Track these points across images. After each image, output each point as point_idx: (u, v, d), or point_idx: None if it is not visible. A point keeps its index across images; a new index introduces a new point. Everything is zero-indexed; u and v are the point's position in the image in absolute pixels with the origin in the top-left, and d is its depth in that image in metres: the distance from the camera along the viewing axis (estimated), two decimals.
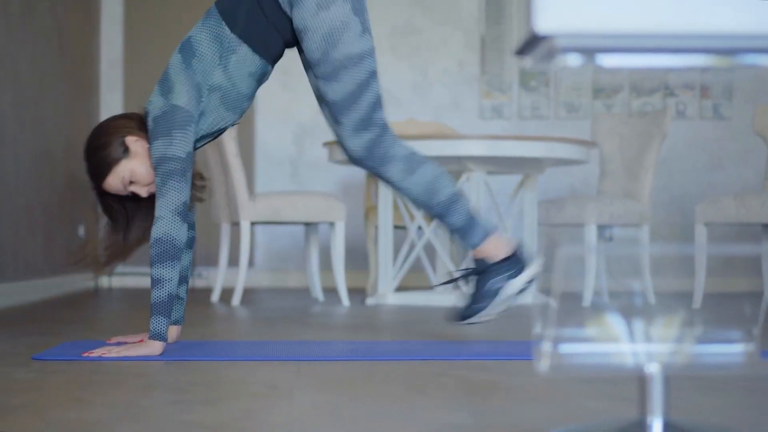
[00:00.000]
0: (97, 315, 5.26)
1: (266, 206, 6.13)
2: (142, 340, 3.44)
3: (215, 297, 6.42)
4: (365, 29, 3.49)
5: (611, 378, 2.75)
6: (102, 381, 2.73)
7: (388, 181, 3.59)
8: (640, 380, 1.72)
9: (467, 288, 3.68)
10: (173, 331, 3.68)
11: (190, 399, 2.41)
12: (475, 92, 8.79)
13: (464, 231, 3.60)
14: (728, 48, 1.54)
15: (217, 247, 8.25)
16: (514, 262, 3.60)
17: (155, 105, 3.44)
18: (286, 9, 3.45)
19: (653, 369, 1.70)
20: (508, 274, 3.59)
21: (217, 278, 6.47)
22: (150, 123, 3.42)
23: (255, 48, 3.45)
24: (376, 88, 3.53)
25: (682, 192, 8.80)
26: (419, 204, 3.60)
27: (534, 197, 6.41)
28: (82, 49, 8.02)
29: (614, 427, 1.73)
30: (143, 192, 3.47)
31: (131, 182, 3.46)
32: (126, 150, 3.46)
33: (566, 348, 1.72)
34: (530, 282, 3.61)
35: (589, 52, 1.57)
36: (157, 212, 3.34)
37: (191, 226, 3.68)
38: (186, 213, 3.41)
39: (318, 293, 6.59)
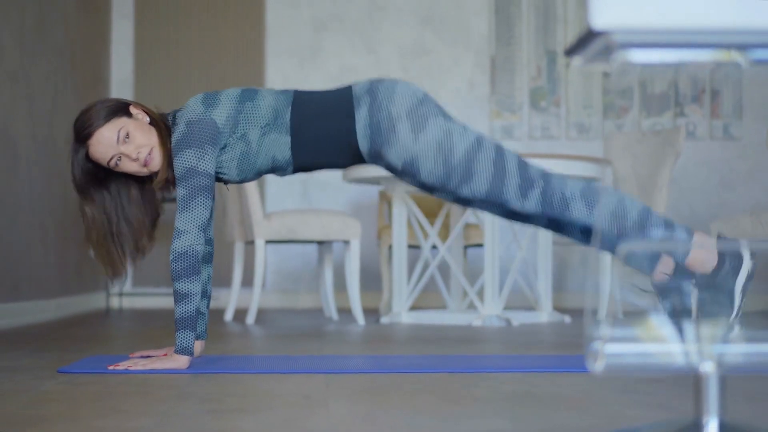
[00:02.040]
0: (111, 333, 5.24)
1: (281, 224, 6.12)
2: (166, 354, 3.42)
3: (229, 316, 6.40)
4: (464, 125, 3.46)
5: (649, 388, 2.73)
6: (132, 392, 2.71)
7: (577, 223, 3.48)
8: (694, 380, 1.70)
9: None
10: (197, 346, 3.66)
11: (226, 408, 2.39)
12: (485, 112, 8.79)
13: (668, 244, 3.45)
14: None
15: (229, 267, 8.23)
16: (728, 260, 3.38)
17: (193, 110, 3.40)
18: (366, 149, 3.47)
19: (708, 368, 1.68)
20: (731, 275, 3.38)
21: (231, 297, 6.44)
22: (182, 126, 3.38)
23: (294, 147, 3.46)
24: (510, 153, 3.45)
25: (693, 212, 8.78)
26: (612, 236, 3.44)
27: None
28: (93, 67, 8.02)
29: (669, 428, 1.71)
30: (132, 153, 3.38)
31: (125, 139, 3.37)
32: (128, 113, 3.44)
33: (617, 348, 1.70)
34: (752, 272, 3.39)
35: (647, 48, 1.56)
36: (181, 226, 3.32)
37: (209, 242, 3.66)
38: (206, 228, 3.40)
39: (332, 312, 6.57)
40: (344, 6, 8.82)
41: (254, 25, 8.76)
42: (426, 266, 7.45)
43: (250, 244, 6.31)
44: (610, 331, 1.69)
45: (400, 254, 6.19)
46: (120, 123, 3.39)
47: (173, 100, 8.60)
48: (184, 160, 3.35)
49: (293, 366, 3.35)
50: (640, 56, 1.55)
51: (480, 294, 7.02)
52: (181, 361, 3.25)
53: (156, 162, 3.42)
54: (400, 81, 3.50)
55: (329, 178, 8.69)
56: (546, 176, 3.45)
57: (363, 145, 3.45)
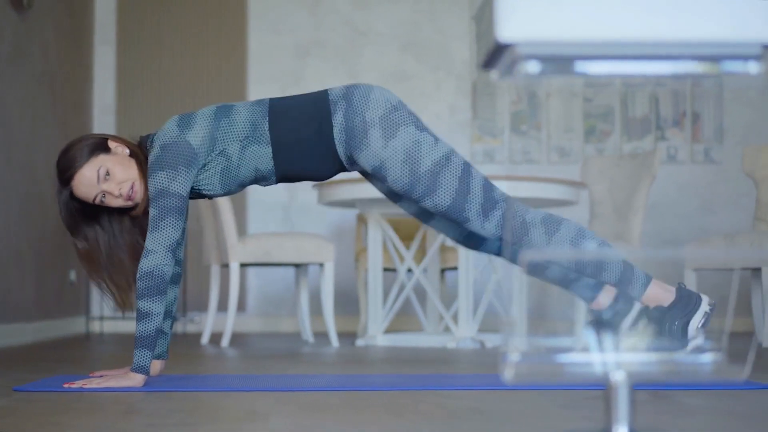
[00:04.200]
0: (87, 356, 5.25)
1: (256, 247, 6.14)
2: (126, 373, 3.43)
3: (205, 339, 6.41)
4: (436, 138, 3.49)
5: (596, 403, 2.75)
6: (82, 408, 2.73)
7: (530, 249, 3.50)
8: (605, 389, 1.72)
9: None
10: (156, 365, 3.68)
11: (168, 423, 2.41)
12: (466, 137, 8.83)
13: (623, 285, 3.45)
14: (678, 54, 1.56)
15: (207, 290, 8.25)
16: (686, 300, 3.42)
17: (168, 133, 3.43)
18: (343, 154, 3.50)
19: (618, 377, 1.70)
20: (686, 312, 3.40)
21: (206, 320, 6.46)
22: (156, 149, 3.41)
23: (276, 157, 3.48)
24: (478, 173, 3.48)
25: (675, 237, 8.81)
26: (569, 269, 3.49)
27: None
28: (75, 94, 8.06)
29: None
30: (114, 190, 3.43)
31: (106, 177, 3.42)
32: (107, 149, 3.47)
33: (533, 358, 1.72)
34: (709, 313, 3.42)
35: (550, 60, 1.59)
36: (150, 245, 3.35)
37: (179, 263, 3.69)
38: (176, 250, 3.43)
39: (308, 335, 6.58)
40: (326, 32, 8.87)
41: (236, 51, 8.81)
42: (402, 289, 7.47)
43: (226, 267, 6.33)
44: (522, 343, 1.72)
45: (376, 277, 6.21)
46: (99, 161, 3.43)
47: (155, 126, 8.62)
48: (156, 182, 3.38)
49: (249, 384, 3.36)
50: (538, 68, 1.57)
51: (455, 317, 7.04)
52: (137, 380, 3.27)
53: (140, 194, 3.47)
54: (375, 86, 3.53)
55: (310, 203, 8.72)
56: (508, 199, 3.48)
57: (340, 149, 3.48)
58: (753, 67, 1.57)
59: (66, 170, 3.44)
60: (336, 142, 3.47)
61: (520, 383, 2.06)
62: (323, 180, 3.63)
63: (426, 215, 3.67)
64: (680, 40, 1.55)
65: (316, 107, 3.50)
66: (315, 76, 8.82)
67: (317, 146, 3.48)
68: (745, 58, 1.58)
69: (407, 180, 3.45)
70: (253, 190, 8.71)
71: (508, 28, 1.57)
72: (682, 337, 3.36)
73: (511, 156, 8.78)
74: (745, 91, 8.89)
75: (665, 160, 8.81)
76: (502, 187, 5.82)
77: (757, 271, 6.33)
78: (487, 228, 3.47)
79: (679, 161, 8.82)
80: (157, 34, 8.78)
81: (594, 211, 6.90)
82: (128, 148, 3.50)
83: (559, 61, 1.59)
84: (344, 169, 3.58)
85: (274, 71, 8.82)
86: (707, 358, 1.76)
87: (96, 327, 8.38)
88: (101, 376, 3.48)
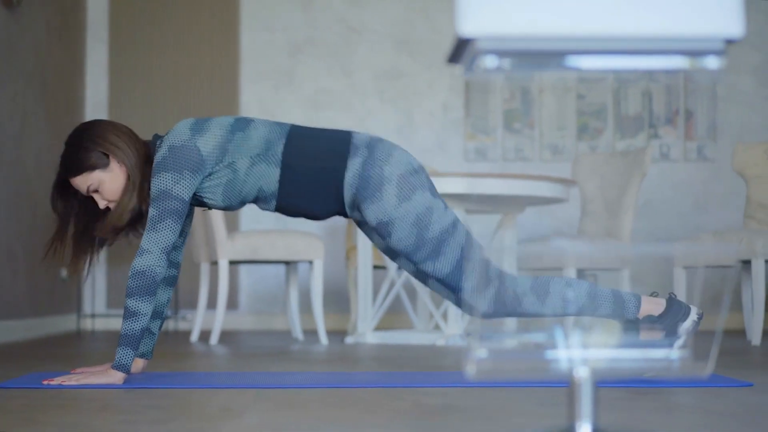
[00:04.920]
0: (76, 353, 5.24)
1: (245, 244, 6.13)
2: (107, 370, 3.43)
3: (194, 337, 6.40)
4: (446, 205, 3.51)
5: (565, 401, 2.74)
6: (59, 405, 2.72)
7: (529, 316, 3.56)
8: (569, 386, 1.72)
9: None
10: (138, 363, 3.69)
11: (141, 419, 2.40)
12: (459, 135, 8.83)
13: (618, 314, 3.51)
14: (641, 50, 1.55)
15: (197, 288, 8.24)
16: (675, 310, 3.49)
17: (178, 135, 3.42)
18: (349, 199, 3.48)
19: (582, 373, 1.70)
20: (675, 320, 3.46)
21: (196, 317, 6.46)
22: (164, 149, 3.41)
23: (282, 180, 3.46)
24: (477, 243, 3.51)
25: (669, 235, 8.80)
26: (567, 316, 3.56)
27: (514, 236, 6.41)
28: (67, 92, 8.05)
29: None
30: (101, 203, 3.47)
31: (95, 191, 3.46)
32: (106, 164, 3.46)
33: (498, 355, 1.72)
34: (698, 319, 3.49)
35: (509, 55, 1.59)
36: (145, 245, 3.35)
37: (176, 265, 3.69)
38: (171, 252, 3.44)
39: (298, 333, 6.58)
40: (319, 30, 8.87)
41: (229, 49, 8.80)
42: (392, 287, 7.47)
43: (216, 264, 6.32)
44: (486, 340, 1.71)
45: (365, 275, 6.21)
46: (90, 179, 3.46)
47: (148, 124, 8.63)
48: (159, 182, 3.38)
49: (229, 381, 3.36)
50: (495, 63, 1.57)
51: (445, 315, 7.04)
52: (116, 377, 3.27)
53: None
54: (399, 147, 3.55)
55: None
56: (501, 276, 3.52)
57: (347, 193, 3.47)
58: (713, 62, 1.57)
59: (64, 168, 3.48)
60: (345, 184, 3.46)
61: (483, 380, 2.05)
62: (317, 219, 3.62)
63: (423, 275, 3.67)
64: (640, 35, 1.55)
65: (336, 145, 3.49)
66: (308, 74, 8.82)
67: (325, 182, 3.46)
68: (707, 53, 1.57)
69: (412, 242, 3.48)
70: None
71: (468, 23, 1.57)
72: (669, 339, 3.39)
73: (504, 154, 8.78)
74: (740, 88, 8.88)
75: (658, 158, 8.81)
76: (492, 186, 5.81)
77: (747, 269, 6.33)
78: (480, 303, 3.52)
79: (672, 159, 8.81)
80: (150, 31, 8.78)
81: (585, 209, 6.90)
82: (128, 172, 3.47)
83: (519, 56, 1.59)
84: (341, 214, 3.57)
85: (267, 69, 8.82)
86: (673, 355, 1.75)
87: (88, 324, 8.38)
88: (81, 373, 3.48)
